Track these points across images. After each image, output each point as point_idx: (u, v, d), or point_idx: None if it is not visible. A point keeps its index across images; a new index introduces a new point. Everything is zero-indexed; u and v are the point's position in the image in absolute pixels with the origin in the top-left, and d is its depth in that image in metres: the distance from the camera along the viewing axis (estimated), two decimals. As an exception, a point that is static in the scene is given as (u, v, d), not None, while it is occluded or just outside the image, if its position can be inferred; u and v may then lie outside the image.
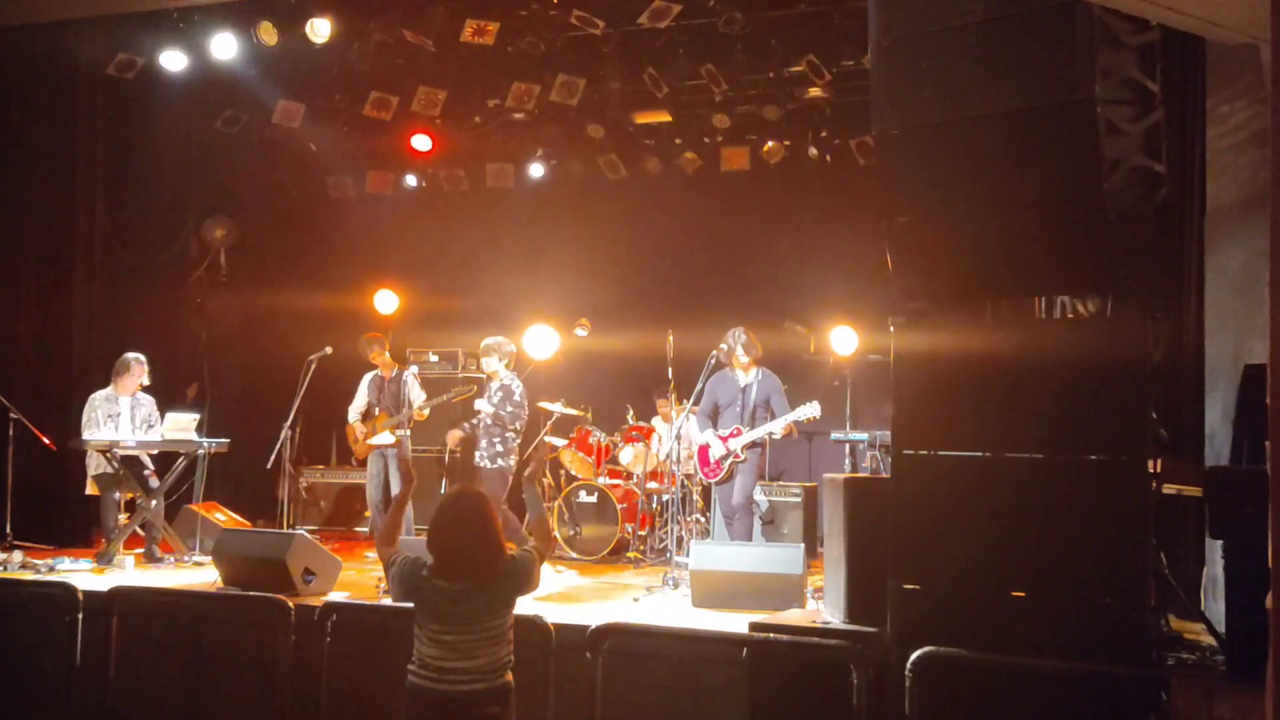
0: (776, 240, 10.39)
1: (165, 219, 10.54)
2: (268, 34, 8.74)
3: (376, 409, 8.94)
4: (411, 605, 4.06)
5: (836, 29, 8.43)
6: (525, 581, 4.12)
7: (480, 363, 8.24)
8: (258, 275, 11.31)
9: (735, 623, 5.62)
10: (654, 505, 8.94)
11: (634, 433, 9.15)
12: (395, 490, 8.61)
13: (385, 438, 8.71)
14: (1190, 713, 4.42)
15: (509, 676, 4.06)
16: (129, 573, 7.50)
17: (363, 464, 9.18)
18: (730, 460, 7.74)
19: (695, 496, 8.66)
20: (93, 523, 8.43)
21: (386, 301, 10.87)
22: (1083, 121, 4.61)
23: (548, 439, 9.40)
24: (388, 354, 8.98)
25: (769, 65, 9.11)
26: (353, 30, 8.89)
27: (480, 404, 8.07)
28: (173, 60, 9.12)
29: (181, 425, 8.43)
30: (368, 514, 9.24)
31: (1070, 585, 4.53)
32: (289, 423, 8.40)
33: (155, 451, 8.31)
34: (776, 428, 7.69)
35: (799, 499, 9.06)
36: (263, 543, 6.71)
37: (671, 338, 8.04)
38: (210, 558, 7.04)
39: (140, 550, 8.02)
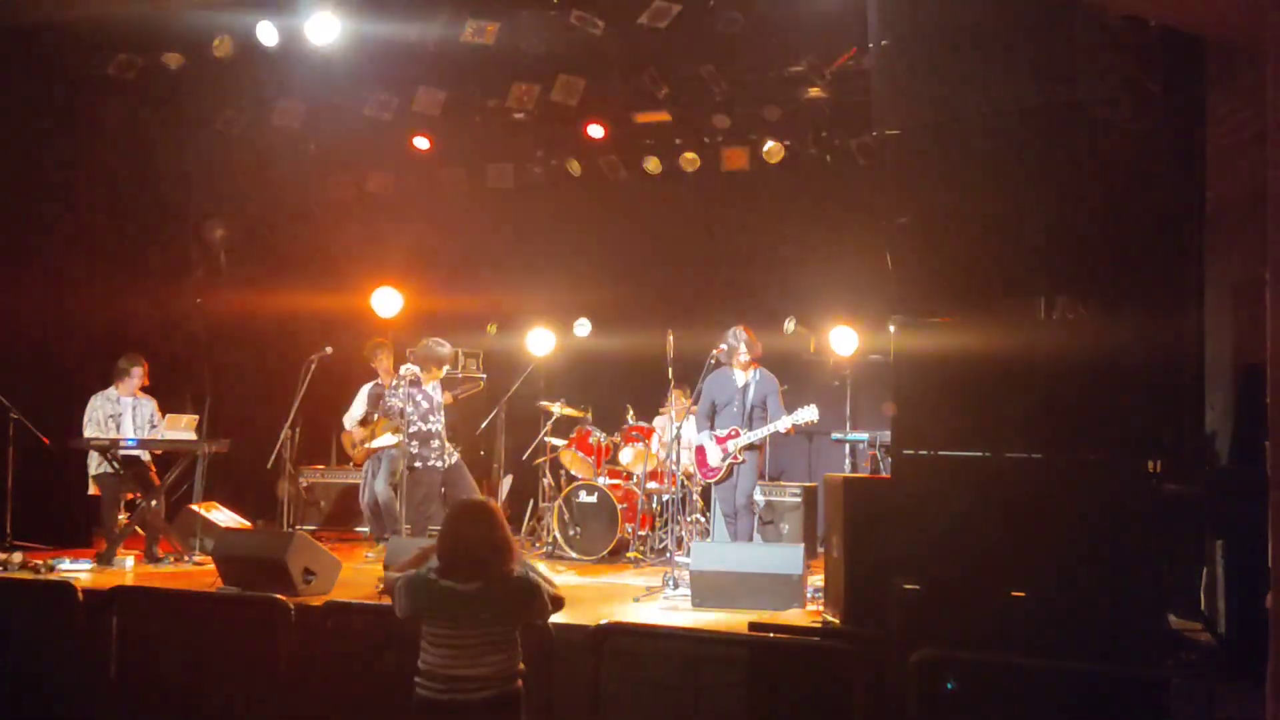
0: (776, 240, 10.38)
1: (165, 219, 10.54)
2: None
3: (375, 416, 8.93)
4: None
5: (836, 29, 8.43)
6: (531, 599, 4.03)
7: (463, 366, 8.35)
8: (258, 275, 11.29)
9: (735, 623, 5.62)
10: (654, 505, 8.94)
11: (634, 433, 9.15)
12: (379, 491, 8.59)
13: (386, 439, 8.71)
14: (1190, 713, 4.42)
15: (519, 684, 4.02)
16: (129, 573, 7.51)
17: (359, 466, 9.20)
18: (728, 461, 7.74)
19: (695, 496, 8.67)
20: (93, 523, 8.43)
21: (386, 302, 10.86)
22: (1083, 121, 4.61)
23: (548, 439, 9.40)
24: (391, 362, 8.96)
25: (769, 65, 9.10)
26: (353, 30, 8.87)
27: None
28: (173, 60, 9.11)
29: (181, 425, 8.44)
30: (366, 515, 9.20)
31: (1070, 585, 4.53)
32: (289, 423, 8.40)
33: (156, 451, 8.32)
34: (776, 430, 7.69)
35: (799, 499, 9.06)
36: (263, 543, 6.71)
37: (671, 338, 8.05)
38: (210, 558, 7.05)
39: (140, 550, 8.03)
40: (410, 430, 8.16)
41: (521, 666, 4.06)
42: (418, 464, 8.24)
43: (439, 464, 8.35)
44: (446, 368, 8.56)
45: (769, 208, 10.41)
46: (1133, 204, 4.87)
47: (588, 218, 10.99)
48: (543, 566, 4.33)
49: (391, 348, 8.99)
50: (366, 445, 8.88)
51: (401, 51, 9.08)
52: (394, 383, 8.38)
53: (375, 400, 8.94)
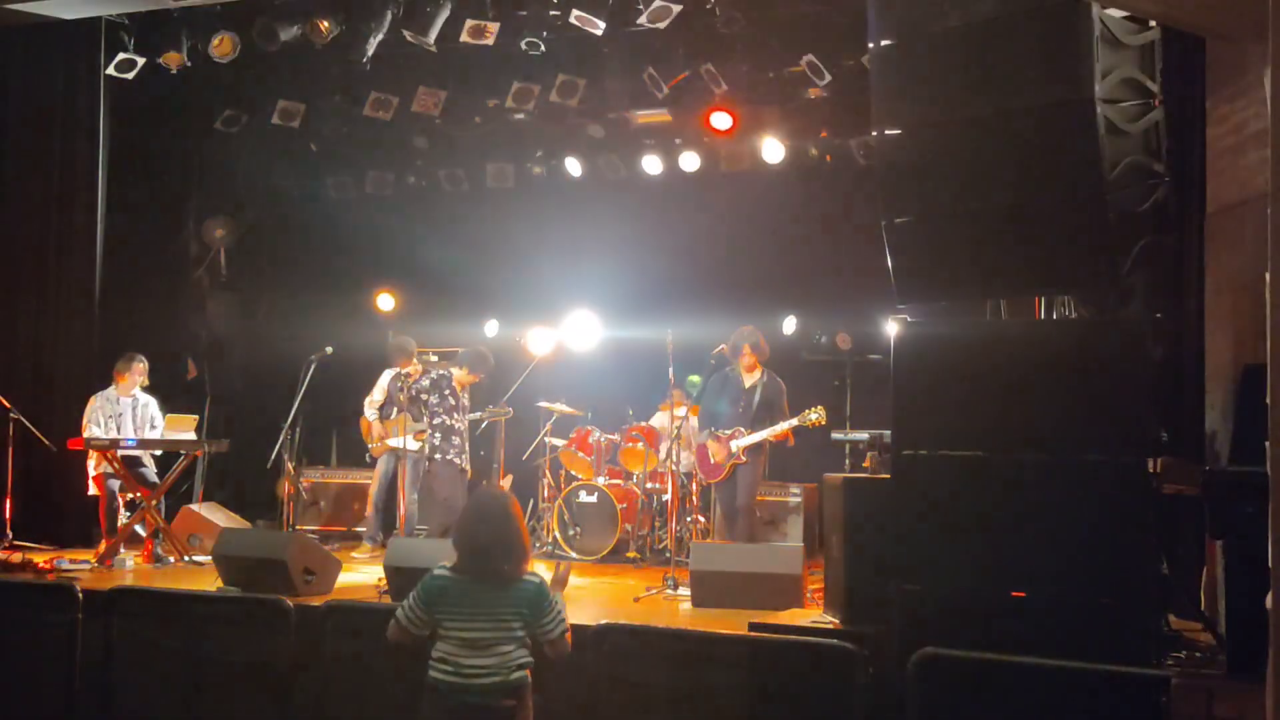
0: (776, 240, 10.37)
1: (165, 219, 10.54)
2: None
3: (395, 410, 8.89)
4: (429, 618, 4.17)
5: (836, 29, 8.43)
6: (542, 603, 4.17)
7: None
8: (258, 275, 11.30)
9: (735, 623, 5.62)
10: (654, 505, 8.93)
11: (634, 433, 9.14)
12: (402, 492, 8.60)
13: (408, 442, 8.67)
14: (1190, 713, 4.42)
15: (526, 674, 4.16)
16: (129, 573, 7.50)
17: (371, 462, 9.17)
18: (731, 461, 7.73)
19: (695, 496, 8.66)
20: (93, 523, 8.42)
21: (386, 301, 10.88)
22: (1083, 121, 4.62)
23: (548, 439, 9.40)
24: (415, 361, 8.90)
25: (769, 65, 9.10)
26: (353, 30, 8.88)
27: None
28: (173, 60, 9.11)
29: (181, 425, 8.44)
30: (367, 513, 9.17)
31: (1070, 585, 4.53)
32: (289, 423, 8.39)
33: (156, 451, 8.32)
34: (777, 430, 7.68)
35: (799, 499, 9.05)
36: (263, 543, 6.72)
37: (671, 338, 8.04)
38: (210, 558, 7.05)
39: (141, 550, 8.03)
40: (434, 421, 8.14)
41: (531, 659, 4.19)
42: (437, 456, 8.14)
43: (458, 460, 8.23)
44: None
45: (769, 208, 10.41)
46: (1133, 204, 4.87)
47: (588, 218, 10.98)
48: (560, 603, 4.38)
49: (414, 347, 8.90)
50: (386, 442, 8.87)
51: (401, 51, 9.07)
52: (419, 374, 8.39)
53: (395, 390, 8.90)
